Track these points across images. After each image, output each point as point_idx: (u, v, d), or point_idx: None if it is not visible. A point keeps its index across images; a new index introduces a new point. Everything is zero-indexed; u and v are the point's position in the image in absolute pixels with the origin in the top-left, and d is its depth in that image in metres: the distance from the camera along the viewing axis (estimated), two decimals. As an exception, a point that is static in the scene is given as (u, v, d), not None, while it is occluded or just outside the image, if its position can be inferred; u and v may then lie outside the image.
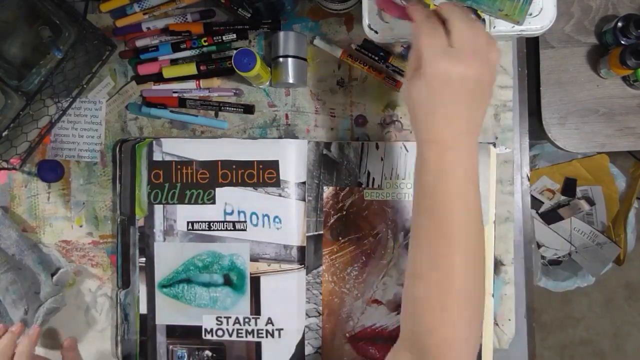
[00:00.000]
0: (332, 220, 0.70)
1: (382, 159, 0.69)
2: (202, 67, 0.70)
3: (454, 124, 0.47)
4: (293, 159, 0.69)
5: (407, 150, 0.69)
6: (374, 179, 0.69)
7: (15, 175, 0.74)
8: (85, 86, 0.72)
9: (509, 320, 0.70)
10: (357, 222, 0.70)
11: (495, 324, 0.70)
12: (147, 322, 0.71)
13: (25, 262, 0.70)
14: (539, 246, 1.40)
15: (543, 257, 1.42)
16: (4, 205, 0.74)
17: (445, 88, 0.46)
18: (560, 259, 1.43)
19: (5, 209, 0.73)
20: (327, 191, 0.70)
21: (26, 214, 0.74)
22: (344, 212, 0.70)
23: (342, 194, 0.70)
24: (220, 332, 0.71)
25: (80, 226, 0.74)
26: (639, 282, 1.55)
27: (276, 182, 0.69)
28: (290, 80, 0.68)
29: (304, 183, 0.70)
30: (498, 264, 0.70)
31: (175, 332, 0.71)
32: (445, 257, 0.48)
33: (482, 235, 0.50)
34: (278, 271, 0.70)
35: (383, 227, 0.69)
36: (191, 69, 0.71)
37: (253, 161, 0.70)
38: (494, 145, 0.69)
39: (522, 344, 0.71)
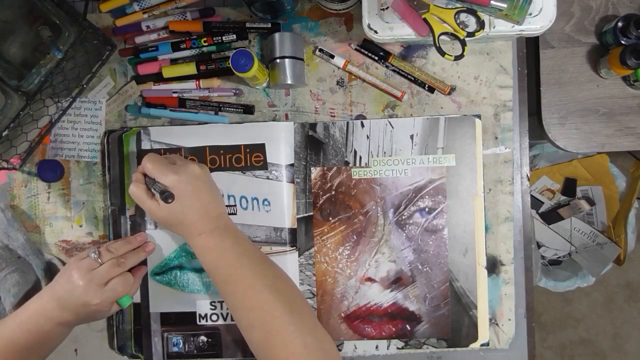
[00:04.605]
0: (321, 201, 0.70)
1: (367, 137, 0.69)
2: (202, 67, 0.70)
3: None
4: (279, 141, 0.70)
5: (392, 127, 0.69)
6: (360, 157, 0.70)
7: (15, 175, 0.74)
8: (85, 86, 0.72)
9: (509, 320, 0.70)
10: (346, 202, 0.70)
11: (495, 323, 0.70)
12: (141, 310, 0.71)
13: (30, 266, 0.71)
14: (539, 246, 1.39)
15: (543, 257, 1.41)
16: (4, 205, 0.74)
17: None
18: (560, 259, 1.43)
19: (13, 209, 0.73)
20: (315, 172, 0.70)
21: (26, 214, 0.74)
22: (333, 192, 0.70)
23: (329, 174, 0.70)
24: (214, 317, 0.71)
25: (80, 226, 0.74)
26: (639, 282, 1.54)
27: (263, 165, 0.70)
28: (289, 81, 0.67)
29: (292, 165, 0.70)
30: (498, 264, 0.70)
31: (170, 320, 0.71)
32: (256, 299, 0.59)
33: (274, 268, 0.63)
34: (270, 254, 0.70)
35: (372, 204, 0.70)
36: (191, 69, 0.71)
37: (240, 145, 0.70)
38: (479, 117, 0.69)
39: (522, 344, 0.71)
